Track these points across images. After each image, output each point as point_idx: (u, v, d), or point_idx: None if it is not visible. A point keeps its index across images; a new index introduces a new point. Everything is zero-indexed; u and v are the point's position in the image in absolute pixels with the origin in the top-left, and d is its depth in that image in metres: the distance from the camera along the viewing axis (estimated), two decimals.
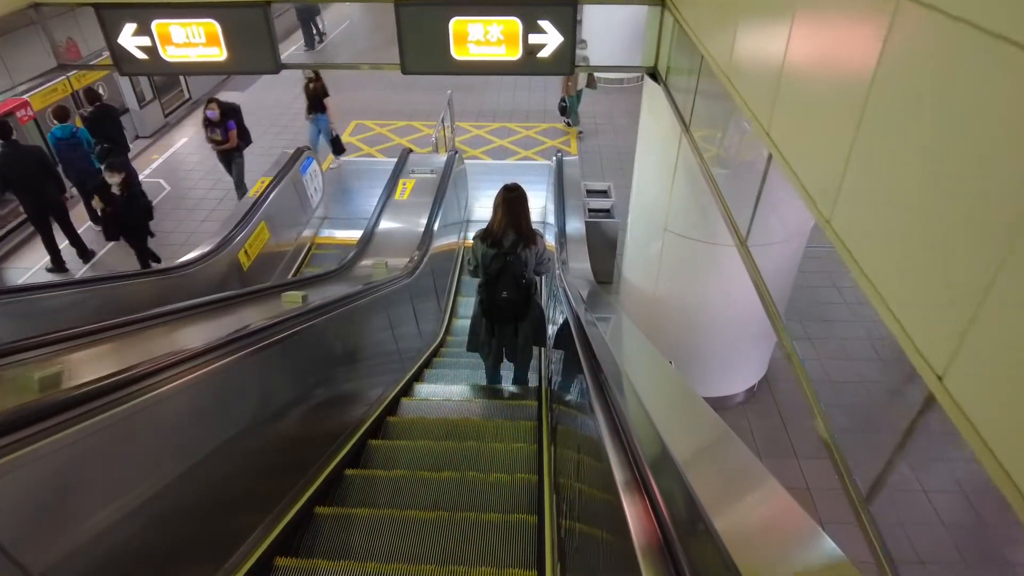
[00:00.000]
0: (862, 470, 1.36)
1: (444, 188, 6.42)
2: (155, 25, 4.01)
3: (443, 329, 5.77)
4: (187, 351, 1.96)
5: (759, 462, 1.07)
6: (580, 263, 4.72)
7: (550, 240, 5.97)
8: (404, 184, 6.53)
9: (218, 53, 4.17)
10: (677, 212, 4.27)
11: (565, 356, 3.37)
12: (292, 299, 3.31)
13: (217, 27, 4.05)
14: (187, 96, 11.20)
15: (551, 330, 4.32)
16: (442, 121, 8.21)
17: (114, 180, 5.64)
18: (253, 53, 4.21)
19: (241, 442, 2.31)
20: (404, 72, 4.12)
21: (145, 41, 4.06)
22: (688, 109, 3.26)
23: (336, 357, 3.41)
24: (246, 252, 5.76)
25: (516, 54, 3.97)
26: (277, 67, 4.25)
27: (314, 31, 14.61)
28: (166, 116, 10.50)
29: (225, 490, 2.22)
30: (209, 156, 9.65)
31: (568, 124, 10.09)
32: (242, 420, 2.34)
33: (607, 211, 6.52)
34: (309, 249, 7.30)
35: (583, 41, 8.53)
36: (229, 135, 7.45)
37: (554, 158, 6.92)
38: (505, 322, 3.89)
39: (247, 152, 7.90)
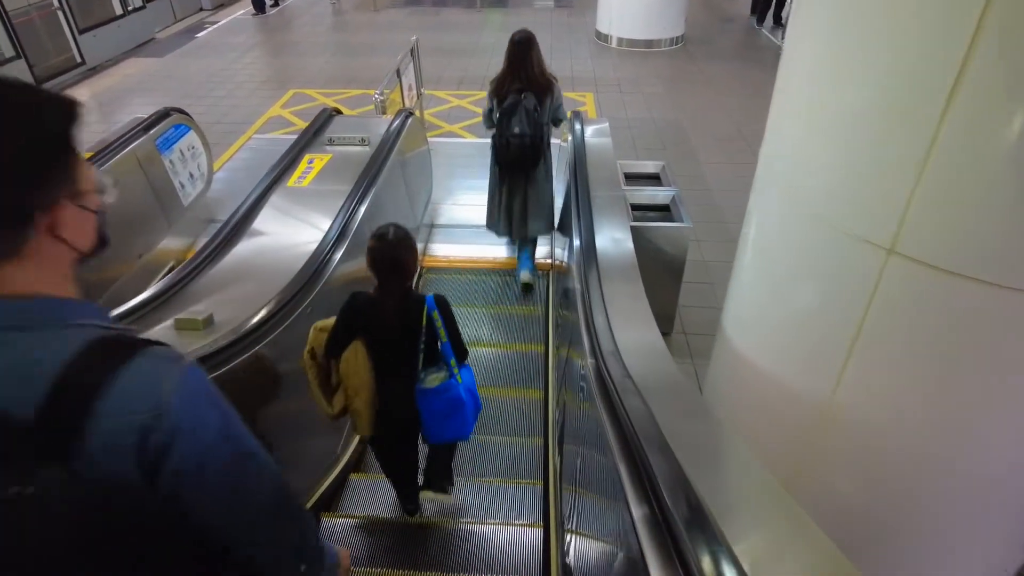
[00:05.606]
0: None
1: (378, 169, 3.67)
2: None
3: (347, 444, 3.01)
4: None
5: None
6: (635, 328, 1.94)
7: (564, 257, 3.23)
8: (310, 161, 3.76)
9: None
10: (940, 208, 1.50)
11: None
12: None
13: None
14: (79, 60, 8.47)
15: None
16: (398, 74, 5.38)
17: None
18: None
19: None
20: None
21: None
22: None
23: None
24: None
25: None
26: None
27: None
28: (39, 83, 7.76)
29: None
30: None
31: None
32: None
33: (664, 208, 3.74)
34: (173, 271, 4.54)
35: None
36: None
37: (568, 121, 4.12)
38: (516, 175, 3.77)
39: None
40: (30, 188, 0.73)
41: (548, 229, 4.09)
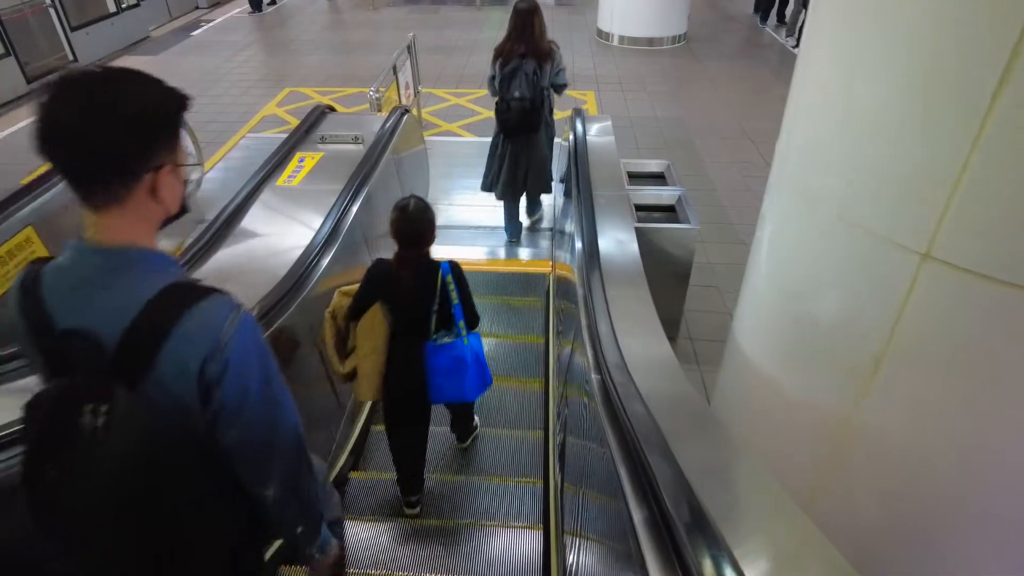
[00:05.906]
0: None
1: (371, 168, 3.53)
2: None
3: (351, 439, 2.87)
4: None
5: None
6: (642, 337, 1.80)
7: (571, 264, 3.10)
8: (301, 160, 3.62)
9: None
10: (985, 210, 1.36)
11: None
12: None
13: None
14: (71, 59, 8.33)
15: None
16: (394, 71, 5.24)
17: None
18: None
19: None
20: None
21: None
22: None
23: None
24: None
25: None
26: None
27: None
28: (30, 82, 7.62)
29: None
30: None
31: None
32: None
33: (670, 209, 3.60)
34: None
35: None
36: None
37: (569, 119, 4.00)
38: (518, 141, 3.91)
39: None
40: (146, 148, 0.93)
41: (547, 190, 4.31)
